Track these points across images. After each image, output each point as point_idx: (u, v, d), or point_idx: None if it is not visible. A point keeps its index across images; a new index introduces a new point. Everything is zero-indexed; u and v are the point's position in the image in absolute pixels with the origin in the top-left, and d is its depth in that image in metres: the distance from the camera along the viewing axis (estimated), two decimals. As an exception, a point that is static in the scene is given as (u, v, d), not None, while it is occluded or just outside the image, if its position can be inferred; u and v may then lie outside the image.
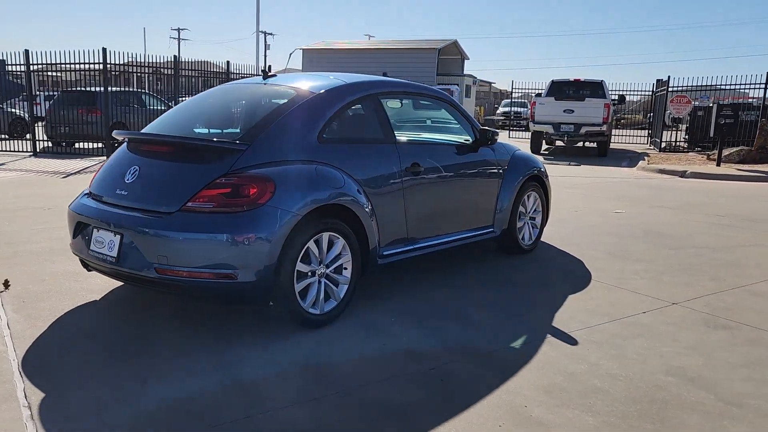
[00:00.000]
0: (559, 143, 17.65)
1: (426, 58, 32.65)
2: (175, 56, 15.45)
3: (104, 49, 13.56)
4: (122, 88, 15.78)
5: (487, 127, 5.02)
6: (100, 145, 14.52)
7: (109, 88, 14.16)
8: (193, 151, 3.59)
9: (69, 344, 3.41)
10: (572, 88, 16.46)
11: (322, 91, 4.00)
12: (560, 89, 16.38)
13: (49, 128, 14.58)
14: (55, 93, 16.22)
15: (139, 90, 16.12)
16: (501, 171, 5.20)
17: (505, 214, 5.24)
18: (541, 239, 5.95)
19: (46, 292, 4.19)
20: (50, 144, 14.79)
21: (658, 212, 8.03)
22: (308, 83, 4.13)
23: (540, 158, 5.96)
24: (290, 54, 64.82)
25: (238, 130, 3.89)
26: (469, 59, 35.90)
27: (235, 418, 2.65)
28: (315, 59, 36.15)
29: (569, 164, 14.23)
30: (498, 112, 36.07)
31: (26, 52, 14.01)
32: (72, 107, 14.07)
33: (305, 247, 3.51)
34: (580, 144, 17.41)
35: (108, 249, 3.49)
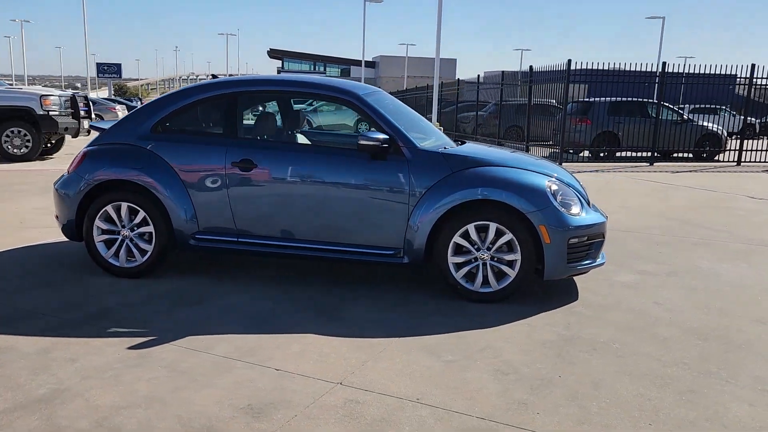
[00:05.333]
0: None
1: None
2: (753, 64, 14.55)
3: (752, 65, 14.40)
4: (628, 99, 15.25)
5: (375, 134, 4.07)
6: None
7: (606, 99, 14.82)
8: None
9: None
10: None
11: (177, 90, 4.66)
12: None
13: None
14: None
15: (646, 100, 15.32)
16: (420, 187, 4.11)
17: (419, 239, 4.09)
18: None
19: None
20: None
21: None
22: (195, 83, 4.74)
23: (542, 183, 3.93)
24: None
25: None
26: None
27: None
28: None
29: None
30: None
31: (663, 64, 14.46)
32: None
33: (103, 209, 4.43)
34: None
35: None
